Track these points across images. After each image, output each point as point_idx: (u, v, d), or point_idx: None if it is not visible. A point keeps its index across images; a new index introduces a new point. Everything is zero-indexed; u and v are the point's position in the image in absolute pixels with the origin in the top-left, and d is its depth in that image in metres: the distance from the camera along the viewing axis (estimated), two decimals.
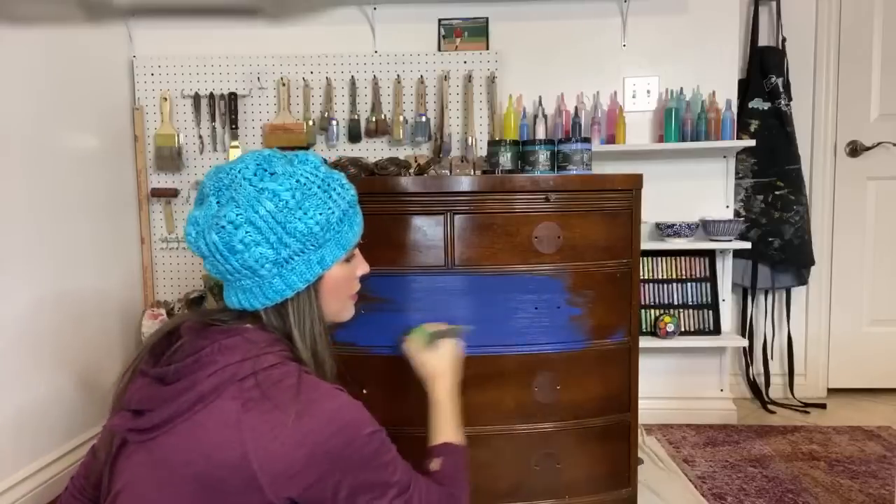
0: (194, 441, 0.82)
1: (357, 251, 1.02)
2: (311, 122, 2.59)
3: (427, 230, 1.57)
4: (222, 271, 0.91)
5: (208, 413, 0.82)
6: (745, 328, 2.84)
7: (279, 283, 0.91)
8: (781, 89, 2.69)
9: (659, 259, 2.65)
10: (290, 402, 0.83)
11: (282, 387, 0.84)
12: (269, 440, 0.80)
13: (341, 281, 0.98)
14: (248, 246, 0.87)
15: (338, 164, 1.91)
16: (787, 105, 2.70)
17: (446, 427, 1.14)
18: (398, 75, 2.59)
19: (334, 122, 2.58)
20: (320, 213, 0.90)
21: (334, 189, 0.93)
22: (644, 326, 2.61)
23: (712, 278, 2.63)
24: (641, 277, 2.54)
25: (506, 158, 1.79)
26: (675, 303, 2.63)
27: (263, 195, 0.87)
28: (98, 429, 2.28)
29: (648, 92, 2.62)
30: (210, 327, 0.93)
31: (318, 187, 0.91)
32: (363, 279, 1.05)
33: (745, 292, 2.83)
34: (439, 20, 2.61)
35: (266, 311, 0.93)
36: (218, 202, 0.89)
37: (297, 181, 0.90)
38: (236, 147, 2.60)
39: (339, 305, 1.01)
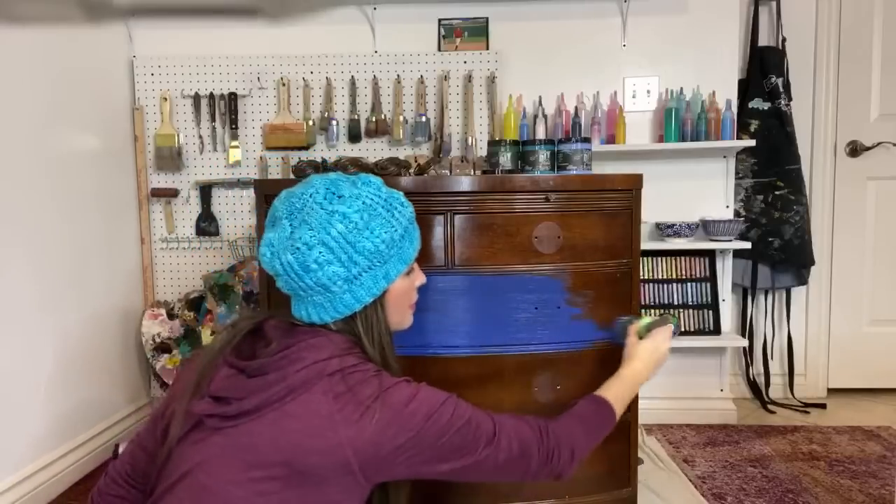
0: (285, 429, 0.89)
1: (415, 264, 1.10)
2: (311, 122, 2.59)
3: (427, 230, 1.57)
4: (295, 288, 0.99)
5: (299, 404, 0.90)
6: (745, 328, 2.84)
7: (349, 298, 0.99)
8: (781, 89, 2.69)
9: (659, 259, 2.65)
10: (373, 394, 0.92)
11: (365, 382, 0.93)
12: (361, 429, 0.89)
13: (403, 292, 1.07)
14: (321, 265, 0.95)
15: (338, 164, 1.91)
16: (787, 105, 2.70)
17: (613, 391, 1.23)
18: (398, 75, 2.59)
19: (334, 122, 2.58)
20: (385, 232, 0.98)
21: (396, 208, 1.02)
22: None
23: (712, 278, 2.63)
24: (641, 277, 2.54)
25: (506, 158, 1.79)
26: (675, 303, 2.63)
27: (334, 217, 0.95)
28: (99, 427, 2.28)
29: (648, 92, 2.62)
30: (295, 327, 1.01)
31: (383, 207, 1.00)
32: (420, 289, 1.14)
33: (745, 292, 2.83)
34: (439, 20, 2.61)
35: (335, 324, 1.01)
36: (291, 225, 0.97)
37: (364, 203, 0.98)
38: (236, 147, 2.60)
39: (401, 315, 1.10)
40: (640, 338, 1.39)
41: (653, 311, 2.62)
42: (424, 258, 1.57)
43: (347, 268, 0.96)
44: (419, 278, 1.13)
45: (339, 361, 0.94)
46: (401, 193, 1.05)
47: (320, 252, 0.94)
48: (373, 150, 2.61)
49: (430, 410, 0.94)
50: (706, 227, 2.56)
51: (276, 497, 0.88)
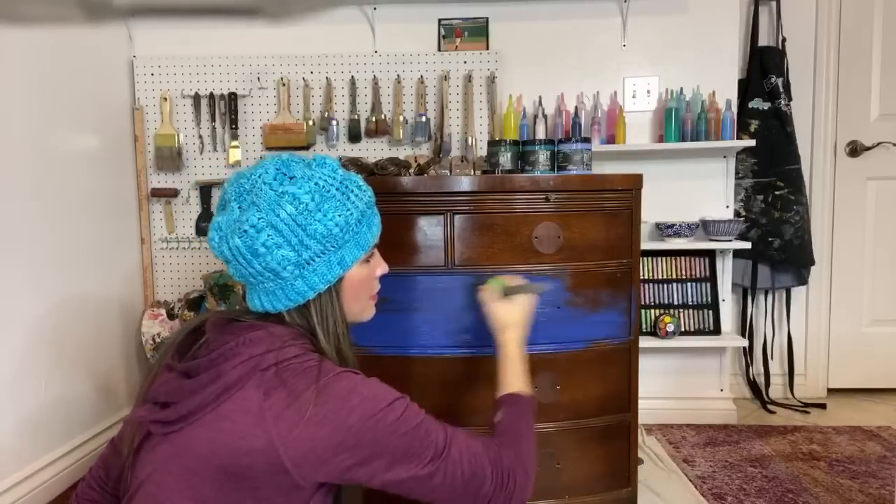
0: (220, 431, 0.84)
1: (376, 251, 1.04)
2: (311, 122, 2.59)
3: (427, 230, 1.57)
4: (245, 274, 0.94)
5: (232, 403, 0.85)
6: (745, 328, 2.84)
7: (301, 285, 0.93)
8: (781, 89, 2.69)
9: (659, 259, 2.65)
10: (308, 386, 0.85)
11: (301, 373, 0.87)
12: (292, 425, 0.83)
13: (361, 281, 1.01)
14: (269, 249, 0.89)
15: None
16: (787, 105, 2.70)
17: (513, 378, 1.16)
18: (398, 75, 2.59)
19: (334, 122, 2.58)
20: (339, 215, 0.93)
21: (352, 191, 0.96)
22: (644, 326, 2.61)
23: (712, 278, 2.63)
24: (641, 277, 2.54)
25: (506, 158, 1.79)
26: (675, 303, 2.63)
27: (284, 199, 0.90)
28: (100, 427, 2.29)
29: (648, 92, 2.62)
30: (234, 323, 0.96)
31: (337, 189, 0.94)
32: (382, 279, 1.08)
33: (745, 292, 2.83)
34: (439, 20, 2.61)
35: (289, 313, 0.95)
36: (240, 207, 0.92)
37: (316, 184, 0.92)
38: (236, 147, 2.60)
39: (361, 306, 1.04)
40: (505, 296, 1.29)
41: (653, 310, 2.62)
42: (425, 258, 1.57)
43: (298, 252, 0.91)
44: (380, 267, 1.06)
45: (274, 355, 0.88)
46: (360, 177, 0.99)
47: (269, 235, 0.89)
48: (373, 150, 2.61)
49: (373, 408, 0.87)
50: (706, 227, 2.56)
51: None
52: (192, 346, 0.95)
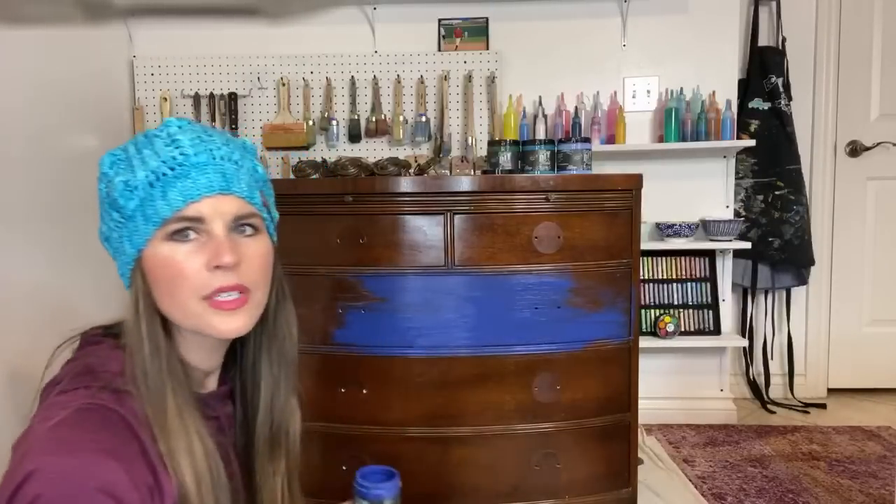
0: None
1: (216, 232, 0.73)
2: (311, 122, 2.59)
3: (427, 230, 1.57)
4: None
5: None
6: (745, 328, 2.84)
7: (118, 265, 0.79)
8: (781, 89, 2.69)
9: (659, 259, 2.65)
10: (16, 447, 0.68)
11: (30, 430, 0.68)
12: None
13: (166, 266, 0.73)
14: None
15: (338, 164, 1.91)
16: (787, 105, 2.70)
17: None
18: (398, 75, 2.59)
19: (334, 122, 2.58)
20: (122, 177, 0.74)
21: (153, 143, 0.74)
22: (644, 326, 2.60)
23: (712, 278, 2.63)
24: (641, 277, 2.54)
25: (506, 158, 1.79)
26: (675, 303, 2.63)
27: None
28: None
29: (648, 92, 2.62)
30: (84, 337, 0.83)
31: (133, 144, 0.76)
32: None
33: (745, 292, 2.83)
34: (439, 20, 2.61)
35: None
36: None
37: (124, 145, 0.77)
38: None
39: (176, 303, 0.74)
40: None
41: (653, 310, 2.62)
42: (425, 258, 1.57)
43: (104, 222, 0.79)
44: (204, 253, 0.73)
45: (64, 384, 0.74)
46: (186, 131, 0.76)
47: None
48: (373, 150, 2.61)
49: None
50: (706, 227, 2.56)
51: None
52: None
